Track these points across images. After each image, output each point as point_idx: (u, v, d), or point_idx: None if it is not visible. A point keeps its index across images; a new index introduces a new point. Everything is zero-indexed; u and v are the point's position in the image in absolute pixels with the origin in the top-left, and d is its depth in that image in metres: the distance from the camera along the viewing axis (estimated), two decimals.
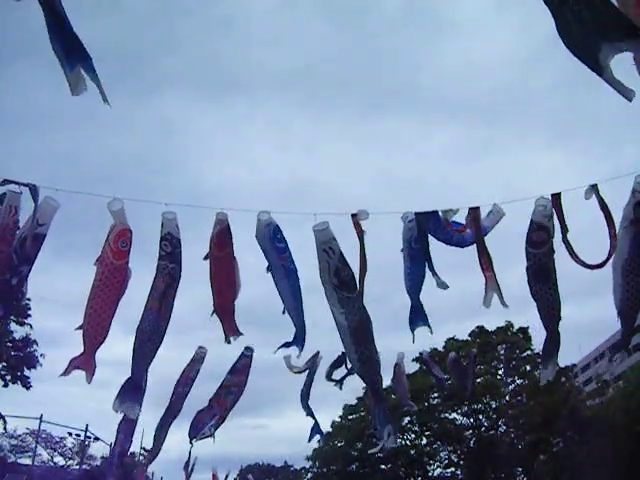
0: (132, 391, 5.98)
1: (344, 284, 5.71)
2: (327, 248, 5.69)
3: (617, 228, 5.60)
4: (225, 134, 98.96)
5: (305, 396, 9.44)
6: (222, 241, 6.25)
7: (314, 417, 9.26)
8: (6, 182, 5.66)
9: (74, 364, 5.94)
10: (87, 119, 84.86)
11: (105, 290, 5.84)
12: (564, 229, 5.79)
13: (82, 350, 5.91)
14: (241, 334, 6.64)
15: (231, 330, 6.52)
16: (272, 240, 6.08)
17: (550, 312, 5.91)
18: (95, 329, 5.88)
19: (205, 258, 6.29)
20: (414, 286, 6.67)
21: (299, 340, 6.53)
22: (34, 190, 5.67)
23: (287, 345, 6.61)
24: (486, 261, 6.25)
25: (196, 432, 8.54)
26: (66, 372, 5.94)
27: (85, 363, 5.95)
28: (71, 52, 3.93)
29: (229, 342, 6.58)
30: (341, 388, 9.12)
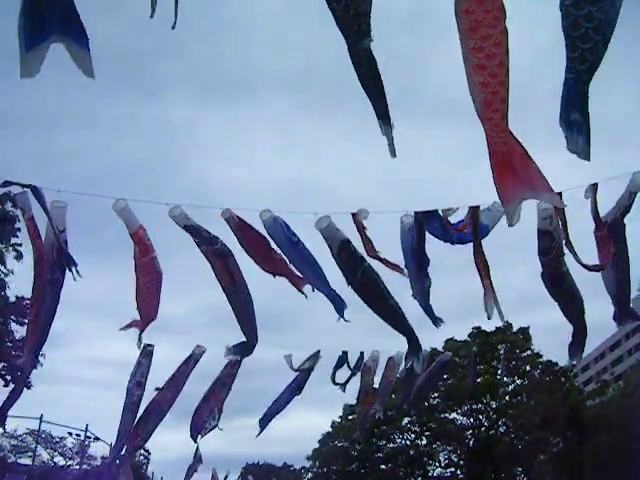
0: (244, 347, 7.21)
1: (347, 270, 6.13)
2: (329, 242, 6.05)
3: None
4: (228, 136, 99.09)
5: (293, 393, 9.50)
6: (244, 228, 6.44)
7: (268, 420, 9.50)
8: (7, 183, 5.62)
9: (132, 324, 6.94)
10: (90, 121, 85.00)
11: (148, 279, 6.44)
12: (565, 231, 5.79)
13: (140, 319, 6.83)
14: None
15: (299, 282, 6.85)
16: (287, 236, 6.28)
17: (572, 311, 6.29)
18: (148, 310, 6.67)
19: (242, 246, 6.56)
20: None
21: (340, 306, 6.77)
22: (37, 192, 5.65)
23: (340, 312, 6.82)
24: (482, 265, 6.21)
25: (198, 429, 8.60)
26: (125, 328, 6.98)
27: (140, 326, 6.95)
28: (51, 23, 3.54)
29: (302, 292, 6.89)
30: (344, 390, 9.17)
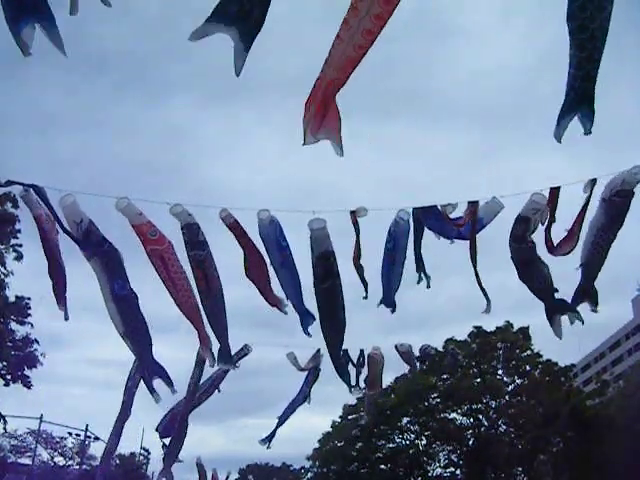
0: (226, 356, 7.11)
1: (317, 277, 6.32)
2: (313, 245, 6.19)
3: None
4: (232, 138, 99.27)
5: (303, 397, 9.57)
6: (240, 233, 6.50)
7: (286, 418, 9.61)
8: (10, 183, 5.64)
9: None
10: (94, 123, 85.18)
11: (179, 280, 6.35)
12: (551, 219, 6.02)
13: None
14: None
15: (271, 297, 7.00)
16: (277, 239, 6.36)
17: (541, 291, 6.52)
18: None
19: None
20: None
21: (306, 321, 6.98)
22: (39, 191, 5.66)
23: (304, 327, 7.04)
24: (473, 260, 6.39)
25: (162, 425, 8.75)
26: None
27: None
28: (27, 10, 3.98)
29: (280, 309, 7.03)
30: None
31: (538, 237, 6.22)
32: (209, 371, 8.77)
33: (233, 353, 8.49)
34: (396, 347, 9.77)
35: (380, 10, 4.01)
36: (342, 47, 4.25)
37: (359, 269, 6.64)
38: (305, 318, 6.98)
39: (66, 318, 6.57)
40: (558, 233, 6.19)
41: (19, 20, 3.98)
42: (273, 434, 10.06)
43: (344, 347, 7.90)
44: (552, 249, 6.22)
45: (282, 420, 9.94)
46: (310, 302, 6.73)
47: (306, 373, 9.52)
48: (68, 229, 5.88)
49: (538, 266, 6.37)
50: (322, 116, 4.59)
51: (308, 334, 7.07)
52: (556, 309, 6.60)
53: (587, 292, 6.53)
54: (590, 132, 4.59)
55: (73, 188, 5.81)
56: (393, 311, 7.28)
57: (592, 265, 6.35)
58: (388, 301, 7.21)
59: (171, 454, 8.59)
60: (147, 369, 6.74)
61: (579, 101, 4.46)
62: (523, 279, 6.44)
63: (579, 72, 4.28)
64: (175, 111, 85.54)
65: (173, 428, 8.69)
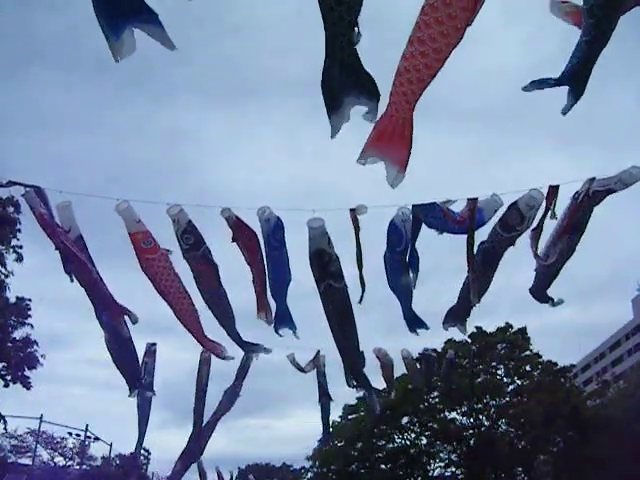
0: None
1: (314, 277, 6.30)
2: (310, 244, 6.17)
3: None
4: (235, 140, 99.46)
5: (326, 397, 9.70)
6: (241, 227, 6.46)
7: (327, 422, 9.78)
8: (11, 184, 5.65)
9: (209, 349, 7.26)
10: (98, 125, 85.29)
11: (171, 283, 6.45)
12: (543, 218, 6.00)
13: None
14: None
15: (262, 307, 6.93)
16: (268, 237, 6.32)
17: (482, 285, 6.61)
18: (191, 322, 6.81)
19: (233, 241, 6.50)
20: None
21: (281, 323, 6.96)
22: (40, 192, 5.67)
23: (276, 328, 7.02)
24: (470, 258, 6.33)
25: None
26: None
27: (211, 348, 7.31)
28: (126, 12, 4.01)
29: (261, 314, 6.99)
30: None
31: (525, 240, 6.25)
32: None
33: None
34: (404, 359, 9.91)
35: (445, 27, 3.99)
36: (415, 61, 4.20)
37: (360, 269, 6.39)
38: (280, 319, 6.90)
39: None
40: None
41: (115, 25, 4.05)
42: (327, 436, 10.39)
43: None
44: (538, 256, 6.18)
45: (326, 423, 10.20)
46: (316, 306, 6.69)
47: (316, 378, 9.63)
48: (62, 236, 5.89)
49: (494, 270, 6.42)
50: (388, 138, 4.51)
51: (279, 335, 7.00)
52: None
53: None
54: (566, 112, 4.57)
55: (74, 189, 5.82)
56: (427, 328, 7.19)
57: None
58: (416, 320, 7.02)
59: (191, 455, 8.59)
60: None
61: (573, 76, 4.45)
62: (474, 268, 6.34)
63: (580, 51, 4.31)
64: (177, 112, 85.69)
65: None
